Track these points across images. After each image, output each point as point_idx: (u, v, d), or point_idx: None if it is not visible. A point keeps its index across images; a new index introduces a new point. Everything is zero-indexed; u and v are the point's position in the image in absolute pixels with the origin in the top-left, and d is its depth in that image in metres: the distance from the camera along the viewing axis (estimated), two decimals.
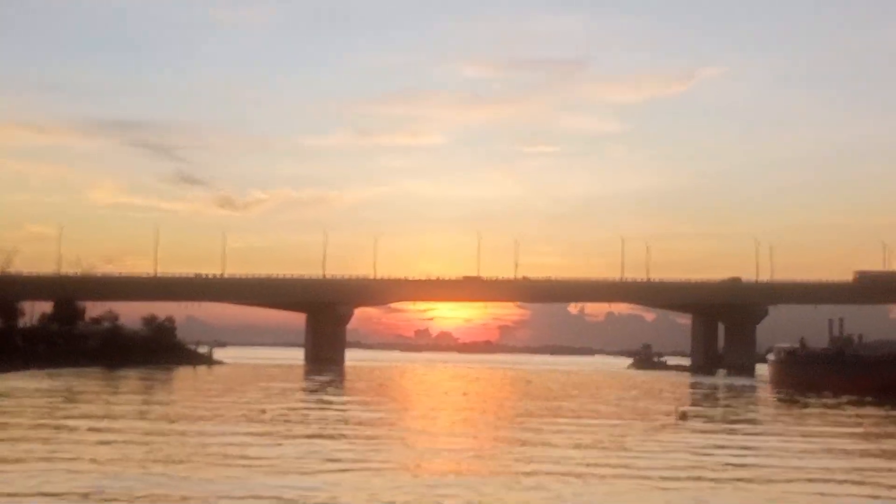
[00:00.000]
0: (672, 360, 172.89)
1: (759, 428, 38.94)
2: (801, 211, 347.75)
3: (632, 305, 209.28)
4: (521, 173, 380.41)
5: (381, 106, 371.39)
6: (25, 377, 71.81)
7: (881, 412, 52.83)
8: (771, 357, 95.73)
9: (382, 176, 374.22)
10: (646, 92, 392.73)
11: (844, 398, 65.19)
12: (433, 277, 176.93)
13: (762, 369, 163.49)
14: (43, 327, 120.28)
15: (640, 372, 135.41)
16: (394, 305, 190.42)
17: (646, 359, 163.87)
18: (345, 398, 53.59)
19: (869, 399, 63.83)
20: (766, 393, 74.14)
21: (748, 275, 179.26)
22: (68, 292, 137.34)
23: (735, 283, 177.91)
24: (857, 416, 48.61)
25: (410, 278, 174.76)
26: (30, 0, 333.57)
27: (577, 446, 29.29)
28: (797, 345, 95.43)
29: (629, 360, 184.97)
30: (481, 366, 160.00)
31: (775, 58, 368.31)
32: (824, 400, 62.57)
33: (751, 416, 46.72)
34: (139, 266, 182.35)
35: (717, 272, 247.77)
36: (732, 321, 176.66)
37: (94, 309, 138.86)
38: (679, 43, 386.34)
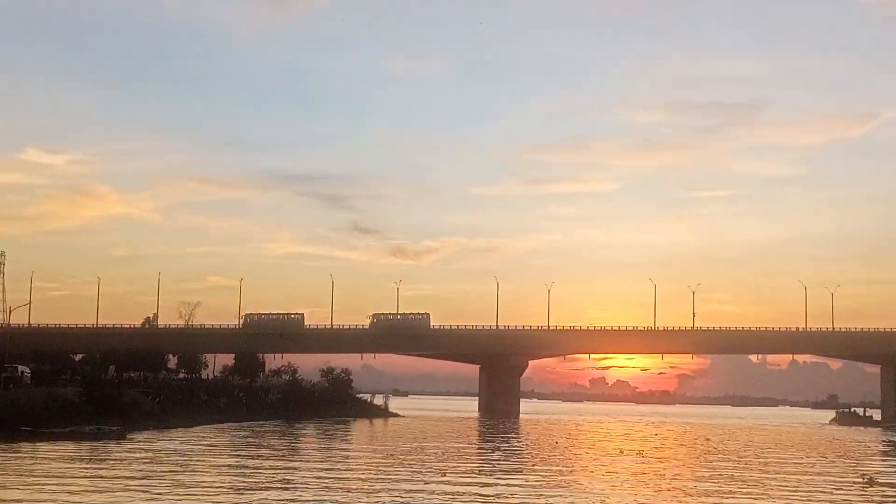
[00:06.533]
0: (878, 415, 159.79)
1: None
2: None
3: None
4: (693, 219, 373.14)
5: (550, 153, 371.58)
6: (211, 431, 73.52)
7: None
8: None
9: (553, 224, 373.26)
10: (823, 135, 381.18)
11: None
12: (608, 328, 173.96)
13: None
14: (225, 380, 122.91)
15: (844, 428, 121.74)
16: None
17: (848, 413, 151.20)
18: (519, 464, 52.82)
19: None
20: None
21: None
22: (248, 345, 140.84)
23: None
24: None
25: (585, 328, 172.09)
26: (211, 60, 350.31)
27: None
28: None
29: (818, 412, 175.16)
30: (658, 419, 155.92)
31: None
32: None
33: None
34: (314, 316, 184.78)
35: None
36: None
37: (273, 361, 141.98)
38: (857, 84, 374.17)
